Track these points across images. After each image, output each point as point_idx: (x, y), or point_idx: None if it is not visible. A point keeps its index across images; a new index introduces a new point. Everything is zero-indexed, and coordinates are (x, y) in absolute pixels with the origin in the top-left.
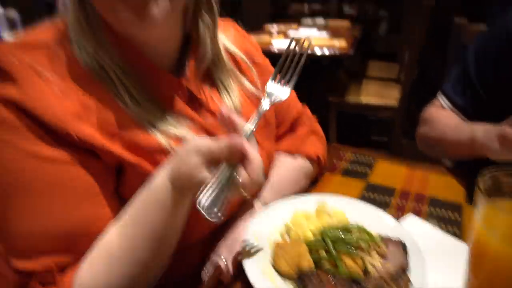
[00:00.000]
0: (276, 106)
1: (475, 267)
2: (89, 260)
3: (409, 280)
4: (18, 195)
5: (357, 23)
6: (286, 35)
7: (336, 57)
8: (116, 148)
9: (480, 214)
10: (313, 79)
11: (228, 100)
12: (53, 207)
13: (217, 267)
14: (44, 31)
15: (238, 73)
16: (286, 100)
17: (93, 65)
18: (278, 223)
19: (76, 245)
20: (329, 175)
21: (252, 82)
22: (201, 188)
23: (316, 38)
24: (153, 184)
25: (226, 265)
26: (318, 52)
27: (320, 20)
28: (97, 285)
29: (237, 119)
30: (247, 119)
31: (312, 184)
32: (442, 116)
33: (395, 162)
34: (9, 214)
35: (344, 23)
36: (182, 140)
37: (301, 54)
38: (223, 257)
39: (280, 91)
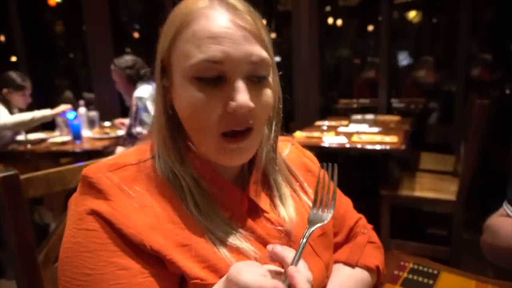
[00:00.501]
0: (335, 217)
1: None
2: None
3: None
4: None
5: (406, 116)
6: (336, 131)
7: (388, 151)
8: (185, 263)
9: None
10: (365, 173)
11: (281, 207)
12: None
13: None
14: (132, 152)
15: (291, 179)
16: (342, 208)
17: (168, 175)
18: None
19: None
20: (389, 286)
21: (304, 191)
22: None
23: (367, 134)
24: None
25: None
26: (370, 147)
27: (369, 116)
28: None
29: (284, 252)
30: (300, 228)
31: None
32: (508, 225)
33: (462, 274)
34: None
35: (394, 118)
36: (242, 252)
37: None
38: None
39: (321, 217)
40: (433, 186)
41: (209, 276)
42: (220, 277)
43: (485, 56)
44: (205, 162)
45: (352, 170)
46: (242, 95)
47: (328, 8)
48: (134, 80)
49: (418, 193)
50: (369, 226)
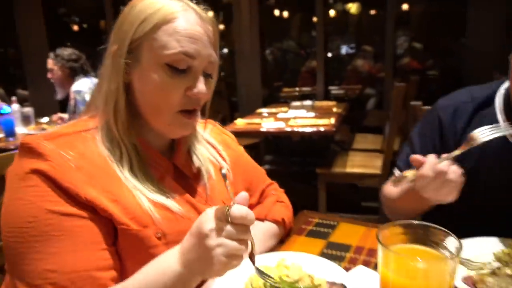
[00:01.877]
0: (248, 181)
1: None
2: None
3: None
4: (38, 241)
5: (343, 102)
6: (276, 117)
7: (322, 133)
8: (114, 211)
9: (380, 257)
10: (304, 155)
11: (203, 173)
12: (66, 250)
13: None
14: (68, 125)
15: (213, 150)
16: (255, 175)
17: (108, 142)
18: (243, 275)
19: (83, 281)
20: (295, 237)
21: (223, 158)
22: None
23: (303, 118)
24: (163, 258)
25: None
26: (304, 130)
27: (307, 102)
28: None
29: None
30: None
31: (279, 244)
32: (388, 185)
33: (356, 223)
34: (30, 256)
35: (330, 103)
36: (166, 208)
37: None
38: None
39: None
40: (362, 163)
41: (134, 225)
42: (144, 226)
43: (416, 45)
44: (145, 134)
45: (292, 153)
46: (202, 85)
47: (272, 0)
48: (75, 74)
49: (349, 170)
50: (281, 190)
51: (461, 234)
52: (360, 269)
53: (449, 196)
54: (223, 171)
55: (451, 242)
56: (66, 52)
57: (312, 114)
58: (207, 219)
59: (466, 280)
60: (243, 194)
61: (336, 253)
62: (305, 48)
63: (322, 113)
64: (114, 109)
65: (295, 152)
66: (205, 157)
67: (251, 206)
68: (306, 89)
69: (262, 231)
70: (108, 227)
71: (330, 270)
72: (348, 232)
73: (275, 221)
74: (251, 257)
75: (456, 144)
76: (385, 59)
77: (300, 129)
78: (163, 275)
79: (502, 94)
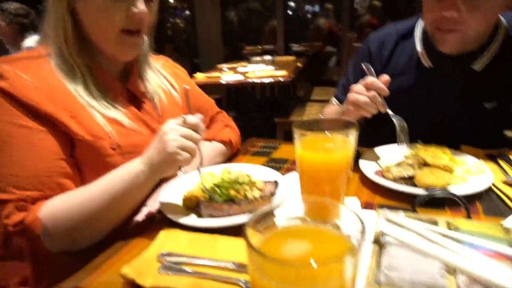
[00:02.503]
0: (197, 109)
1: (300, 170)
2: (56, 198)
3: (270, 198)
4: (2, 150)
5: (304, 58)
6: (235, 71)
7: (279, 83)
8: (71, 125)
9: (296, 141)
10: (265, 109)
11: (155, 97)
12: (26, 157)
13: (145, 212)
14: (22, 53)
15: (164, 80)
16: (205, 104)
17: (63, 65)
18: (191, 181)
19: (43, 184)
20: (241, 156)
21: (174, 88)
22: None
23: (261, 70)
24: (128, 163)
25: (149, 208)
26: (260, 80)
27: (267, 57)
28: (58, 216)
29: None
30: (168, 108)
31: (227, 162)
32: (330, 108)
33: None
34: None
35: (290, 58)
36: (120, 124)
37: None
38: (149, 204)
39: None
40: (317, 112)
41: (89, 137)
42: (98, 138)
43: (375, 3)
44: (97, 59)
45: (253, 109)
46: (142, 5)
47: None
48: (25, 30)
49: (305, 118)
50: (229, 118)
51: (383, 143)
52: (293, 174)
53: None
54: (187, 87)
55: (352, 130)
56: (13, 6)
57: (271, 67)
58: (168, 122)
59: (377, 173)
60: (198, 114)
61: (275, 165)
62: (269, 8)
63: (281, 66)
64: (64, 35)
65: (257, 107)
66: (156, 83)
67: None
68: (268, 47)
69: (210, 150)
70: (66, 140)
71: (267, 173)
72: (288, 150)
73: (222, 142)
74: (199, 167)
75: (383, 71)
76: (342, 16)
77: (258, 80)
78: (128, 174)
79: (421, 26)
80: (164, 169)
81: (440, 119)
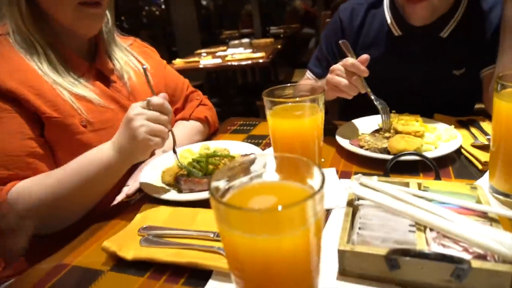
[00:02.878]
0: (171, 88)
1: (272, 139)
2: (26, 181)
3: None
4: None
5: (283, 40)
6: (214, 56)
7: (258, 65)
8: (37, 103)
9: (267, 110)
10: (246, 93)
11: (124, 75)
12: None
13: (126, 191)
14: None
15: (132, 58)
16: (179, 84)
17: (24, 43)
18: (170, 158)
19: (12, 164)
20: (220, 135)
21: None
22: None
23: (240, 54)
24: (98, 147)
25: (130, 187)
26: (238, 63)
27: (245, 40)
28: (26, 198)
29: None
30: (138, 87)
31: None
32: (305, 82)
33: None
34: None
35: (268, 40)
36: (88, 100)
37: None
38: (129, 184)
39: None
40: None
41: (58, 115)
42: (67, 115)
43: None
44: (59, 36)
45: (235, 95)
46: None
47: None
48: None
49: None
50: (204, 96)
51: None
52: (271, 149)
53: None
54: (144, 66)
55: (319, 95)
56: None
57: (249, 50)
58: (132, 108)
59: (353, 142)
60: (162, 93)
61: (254, 141)
62: None
63: (260, 49)
64: (19, 11)
65: (238, 92)
66: (124, 61)
67: (176, 111)
68: (245, 30)
69: (187, 128)
70: (34, 119)
71: (246, 148)
72: (267, 128)
73: (198, 119)
74: (174, 149)
75: (354, 41)
76: None
77: (237, 63)
78: (99, 160)
79: None
80: (136, 156)
81: (411, 88)
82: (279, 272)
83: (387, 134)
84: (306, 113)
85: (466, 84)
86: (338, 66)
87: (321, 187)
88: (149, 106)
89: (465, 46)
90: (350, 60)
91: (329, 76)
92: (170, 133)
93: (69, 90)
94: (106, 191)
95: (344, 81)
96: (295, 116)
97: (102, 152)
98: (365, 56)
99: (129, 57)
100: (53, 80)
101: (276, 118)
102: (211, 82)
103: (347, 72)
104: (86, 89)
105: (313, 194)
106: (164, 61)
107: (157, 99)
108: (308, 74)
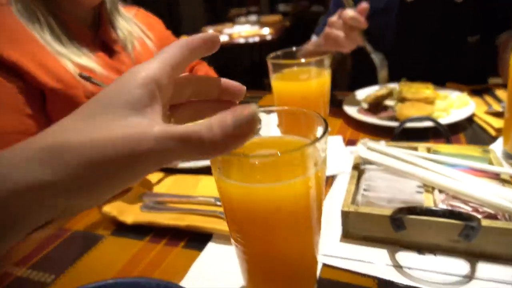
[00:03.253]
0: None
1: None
2: None
3: None
4: None
5: (291, 17)
6: (221, 33)
7: (266, 42)
8: (38, 74)
9: (271, 74)
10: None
11: (128, 45)
12: None
13: None
14: None
15: (137, 28)
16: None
17: (26, 13)
18: None
19: (6, 144)
20: None
21: (147, 36)
22: None
23: (247, 31)
24: None
25: None
26: (245, 40)
27: (252, 17)
28: None
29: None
30: (142, 58)
31: None
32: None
33: None
34: None
35: (275, 17)
36: (91, 71)
37: None
38: None
39: None
40: None
41: (61, 86)
42: (68, 87)
43: None
44: (63, 6)
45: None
46: None
47: None
48: None
49: None
50: (210, 68)
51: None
52: None
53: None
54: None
55: (325, 58)
56: None
57: (256, 27)
58: None
59: (359, 111)
60: None
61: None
62: None
63: (267, 26)
64: None
65: (246, 72)
66: (129, 31)
67: None
68: (253, 8)
69: None
70: (34, 92)
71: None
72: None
73: None
74: None
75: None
76: None
77: (244, 40)
78: None
79: None
80: None
81: (424, 56)
82: (278, 227)
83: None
84: (312, 76)
85: (481, 53)
86: (335, 19)
87: (324, 133)
88: None
89: (479, 11)
90: (349, 12)
91: (327, 29)
92: None
93: (73, 60)
94: None
95: (340, 32)
96: (301, 79)
97: None
98: (364, 6)
99: (134, 27)
100: (56, 50)
101: (281, 82)
102: (218, 61)
103: (346, 25)
104: (90, 60)
105: (315, 140)
106: (169, 32)
107: None
108: (313, 38)
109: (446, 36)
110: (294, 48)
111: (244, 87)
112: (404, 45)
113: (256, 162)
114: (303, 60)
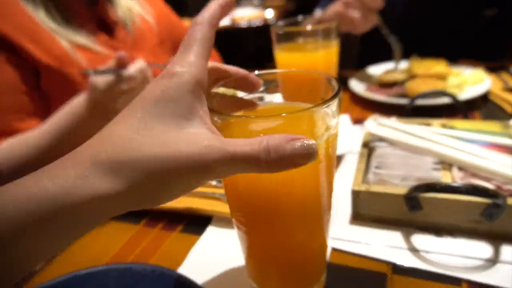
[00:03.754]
0: (177, 38)
1: None
2: (8, 140)
3: None
4: None
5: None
6: None
7: (265, 25)
8: (31, 49)
9: (275, 45)
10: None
11: (127, 22)
12: None
13: None
14: None
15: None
16: (184, 31)
17: None
18: None
19: (4, 122)
20: None
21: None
22: None
23: (250, 14)
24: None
25: None
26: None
27: (256, 1)
28: (9, 157)
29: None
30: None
31: None
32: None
33: None
34: None
35: (279, 1)
36: (87, 49)
37: None
38: None
39: None
40: None
41: (55, 63)
42: (64, 65)
43: None
44: None
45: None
46: None
47: None
48: None
49: None
50: None
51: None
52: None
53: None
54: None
55: (332, 28)
56: None
57: (260, 10)
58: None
59: (368, 89)
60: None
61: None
62: None
63: (271, 9)
64: None
65: (250, 58)
66: (128, 8)
67: None
68: None
69: None
70: (28, 69)
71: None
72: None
73: None
74: None
75: None
76: None
77: (247, 24)
78: (80, 108)
79: None
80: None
81: (438, 31)
82: (284, 205)
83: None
84: (319, 46)
85: (497, 26)
86: None
87: (336, 94)
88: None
89: None
90: None
91: (341, 9)
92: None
93: (69, 38)
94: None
95: (358, 15)
96: (306, 50)
97: (79, 100)
98: None
99: (133, 3)
100: (51, 28)
101: (285, 53)
102: (220, 48)
103: (363, 5)
104: (88, 39)
105: (325, 101)
106: (169, 8)
107: (134, 72)
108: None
109: (462, 9)
110: (299, 18)
111: (261, 81)
112: (417, 19)
113: (260, 127)
114: (309, 28)
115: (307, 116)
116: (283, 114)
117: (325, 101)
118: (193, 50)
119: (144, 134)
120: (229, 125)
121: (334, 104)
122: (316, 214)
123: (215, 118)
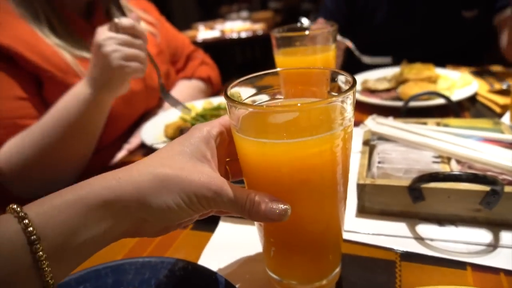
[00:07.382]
0: (173, 47)
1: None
2: (11, 140)
3: None
4: None
5: (283, 14)
6: (212, 28)
7: (257, 37)
8: (34, 59)
9: (275, 49)
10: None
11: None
12: None
13: (127, 148)
14: None
15: (126, 10)
16: (180, 42)
17: (21, 5)
18: (172, 115)
19: (8, 128)
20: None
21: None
22: None
23: (239, 26)
24: (73, 88)
25: (131, 144)
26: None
27: (244, 13)
28: (13, 157)
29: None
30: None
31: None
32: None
33: None
34: None
35: (267, 13)
36: (88, 60)
37: None
38: (130, 141)
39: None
40: None
41: (59, 73)
42: (68, 76)
43: None
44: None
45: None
46: None
47: None
48: None
49: None
50: (206, 55)
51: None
52: None
53: None
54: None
55: (332, 31)
56: None
57: (248, 23)
58: (99, 32)
59: (362, 92)
60: (133, 13)
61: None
62: None
63: (259, 21)
64: None
65: (238, 69)
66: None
67: (178, 70)
68: (244, 4)
69: (189, 88)
70: (29, 78)
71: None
72: (273, 78)
73: (201, 78)
74: (160, 84)
75: None
76: None
77: (236, 36)
78: (76, 100)
79: None
80: (113, 87)
81: (419, 34)
82: (302, 192)
83: (388, 78)
84: (317, 50)
85: (477, 28)
86: None
87: (352, 86)
88: (119, 30)
89: None
90: None
91: None
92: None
93: (72, 52)
94: (95, 133)
95: None
96: (305, 54)
97: (78, 92)
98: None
99: (128, 14)
100: (54, 43)
101: (285, 57)
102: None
103: None
104: (89, 52)
105: (343, 92)
106: (163, 18)
107: (127, 20)
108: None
109: (442, 11)
110: (299, 24)
111: None
112: (397, 22)
113: (281, 118)
114: (307, 32)
115: (327, 107)
116: (304, 103)
117: (343, 92)
118: (214, 120)
119: (175, 161)
120: (251, 115)
121: (349, 95)
122: (333, 201)
123: (238, 108)
